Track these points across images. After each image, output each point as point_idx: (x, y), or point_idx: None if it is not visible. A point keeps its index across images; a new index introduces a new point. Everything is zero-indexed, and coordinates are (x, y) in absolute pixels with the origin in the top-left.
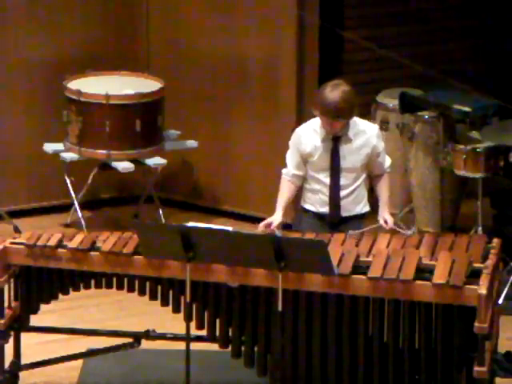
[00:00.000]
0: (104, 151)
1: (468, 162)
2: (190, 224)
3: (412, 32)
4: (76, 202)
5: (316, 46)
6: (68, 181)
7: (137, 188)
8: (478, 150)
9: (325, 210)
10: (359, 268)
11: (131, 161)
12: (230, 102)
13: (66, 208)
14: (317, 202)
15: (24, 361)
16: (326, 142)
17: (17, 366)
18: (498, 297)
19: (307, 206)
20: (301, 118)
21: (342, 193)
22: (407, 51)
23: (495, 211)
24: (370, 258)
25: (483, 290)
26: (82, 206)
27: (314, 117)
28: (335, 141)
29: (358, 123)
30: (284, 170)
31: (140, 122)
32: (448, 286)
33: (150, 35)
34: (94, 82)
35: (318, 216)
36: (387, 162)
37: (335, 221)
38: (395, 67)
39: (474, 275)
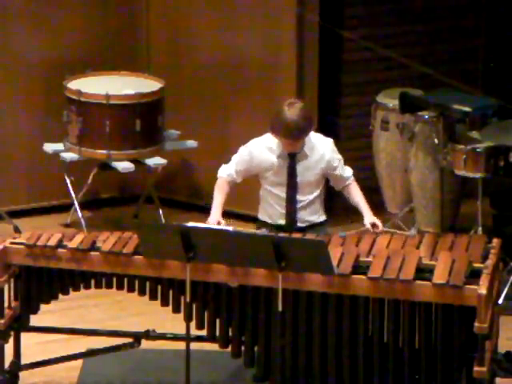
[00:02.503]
0: (104, 151)
1: (468, 162)
2: (190, 224)
3: (412, 32)
4: (76, 202)
5: (316, 46)
6: (68, 181)
7: (137, 188)
8: (478, 149)
9: (281, 221)
10: (359, 268)
11: (131, 161)
12: (230, 102)
13: (66, 208)
14: (274, 214)
15: (24, 361)
16: (281, 159)
17: (17, 366)
18: (498, 297)
19: (264, 219)
20: None
21: (298, 205)
22: (407, 51)
23: (495, 211)
24: (370, 258)
25: (483, 290)
26: (82, 206)
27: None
28: (291, 157)
29: (312, 138)
30: (223, 172)
31: (140, 122)
32: (448, 286)
33: (150, 35)
34: (94, 81)
35: (276, 227)
36: (347, 172)
37: (291, 230)
38: (395, 67)
39: (474, 275)
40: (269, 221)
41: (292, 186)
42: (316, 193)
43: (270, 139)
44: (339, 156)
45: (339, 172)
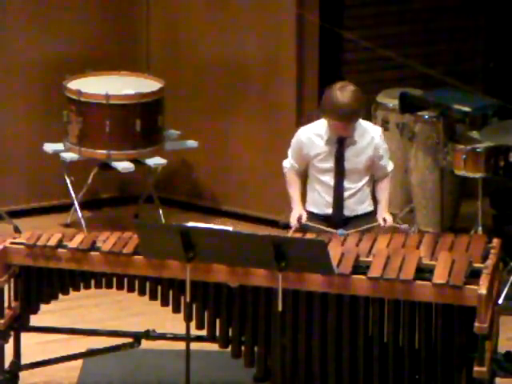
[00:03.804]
0: (104, 151)
1: (468, 162)
2: (190, 224)
3: (412, 32)
4: (76, 202)
5: (316, 46)
6: (68, 181)
7: (137, 188)
8: (478, 149)
9: (329, 211)
10: (359, 268)
11: (131, 161)
12: (230, 102)
13: (66, 208)
14: (320, 203)
15: (24, 361)
16: (330, 145)
17: (17, 366)
18: (498, 297)
19: (311, 209)
20: (301, 119)
21: (346, 194)
22: (407, 51)
23: (495, 211)
24: (370, 258)
25: (483, 290)
26: (82, 206)
27: (318, 119)
28: (340, 143)
29: (362, 124)
30: (286, 163)
31: (140, 122)
32: (448, 286)
33: (150, 35)
34: (94, 81)
35: (323, 217)
36: (390, 165)
37: (338, 220)
38: (395, 67)
39: (474, 275)
40: (316, 211)
41: (340, 172)
42: (364, 180)
43: (318, 125)
44: (386, 146)
45: (383, 162)
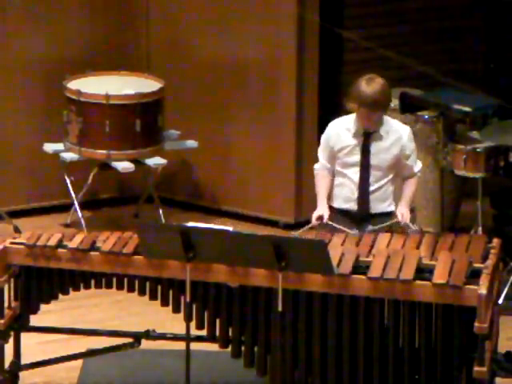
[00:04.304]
0: (104, 151)
1: (468, 161)
2: (190, 224)
3: (412, 32)
4: (76, 202)
5: (316, 46)
6: (68, 181)
7: (137, 188)
8: (478, 150)
9: (348, 206)
10: (359, 268)
11: (131, 161)
12: (230, 102)
13: (66, 208)
14: (342, 197)
15: (24, 361)
16: (356, 139)
17: (17, 366)
18: (498, 297)
19: (336, 205)
20: (301, 118)
21: (370, 189)
22: (407, 51)
23: (495, 211)
24: (370, 258)
25: (483, 290)
26: (82, 206)
27: (347, 114)
28: (366, 137)
29: (390, 122)
30: (316, 166)
31: (140, 122)
32: (448, 286)
33: (150, 35)
34: (94, 81)
35: (343, 212)
36: (417, 165)
37: (362, 215)
38: (395, 67)
39: (474, 275)
40: (341, 207)
41: (365, 166)
42: (386, 179)
43: (347, 119)
44: (414, 146)
45: (410, 163)
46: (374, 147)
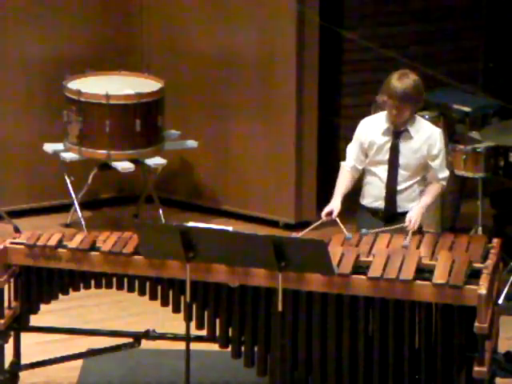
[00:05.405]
0: (104, 151)
1: (468, 161)
2: (190, 224)
3: (412, 32)
4: (76, 202)
5: (316, 46)
6: (68, 181)
7: (137, 188)
8: (478, 149)
9: (377, 204)
10: (359, 268)
11: (131, 161)
12: (230, 102)
13: (66, 208)
14: (370, 195)
15: (24, 361)
16: (386, 137)
17: (17, 366)
18: (498, 297)
19: (365, 203)
20: (301, 118)
21: (396, 187)
22: (407, 51)
23: (495, 211)
24: (370, 258)
25: (483, 290)
26: (82, 206)
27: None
28: (396, 136)
29: (422, 122)
30: (343, 163)
31: (140, 122)
32: (448, 286)
33: (149, 35)
34: (94, 81)
35: (372, 211)
36: (443, 172)
37: (390, 214)
38: (395, 67)
39: (474, 275)
40: (369, 205)
41: (394, 164)
42: (415, 179)
43: (379, 116)
44: (443, 149)
45: (435, 165)
46: (404, 146)
